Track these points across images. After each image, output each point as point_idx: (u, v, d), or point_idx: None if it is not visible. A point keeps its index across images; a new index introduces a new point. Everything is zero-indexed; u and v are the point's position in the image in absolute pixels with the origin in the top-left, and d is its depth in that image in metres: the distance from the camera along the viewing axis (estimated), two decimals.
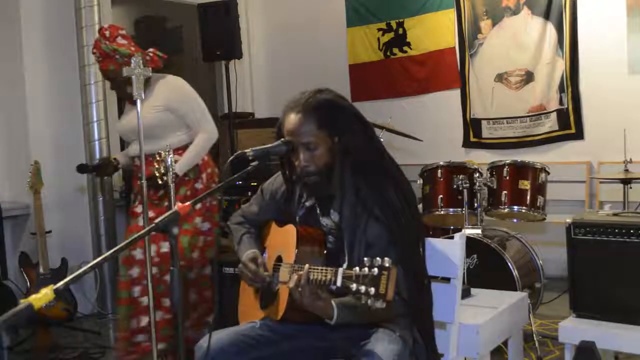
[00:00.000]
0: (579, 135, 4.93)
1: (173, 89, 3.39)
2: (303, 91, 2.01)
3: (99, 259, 1.44)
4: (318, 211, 2.05)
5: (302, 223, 2.07)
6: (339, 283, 1.63)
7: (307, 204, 2.07)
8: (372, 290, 1.53)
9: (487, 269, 3.47)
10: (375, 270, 1.54)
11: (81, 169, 3.61)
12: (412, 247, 1.94)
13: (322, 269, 1.72)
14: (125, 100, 3.42)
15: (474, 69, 5.40)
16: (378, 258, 1.56)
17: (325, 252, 1.98)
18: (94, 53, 3.31)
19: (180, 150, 3.32)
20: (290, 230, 2.02)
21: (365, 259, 1.57)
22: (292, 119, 1.96)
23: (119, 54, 3.21)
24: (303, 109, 1.95)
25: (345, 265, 1.88)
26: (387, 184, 1.95)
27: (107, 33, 3.25)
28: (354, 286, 1.57)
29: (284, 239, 2.05)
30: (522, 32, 5.09)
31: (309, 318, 1.86)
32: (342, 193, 1.98)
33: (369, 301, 1.54)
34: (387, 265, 1.54)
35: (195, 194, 3.30)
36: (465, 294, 2.90)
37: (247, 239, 2.21)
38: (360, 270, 1.57)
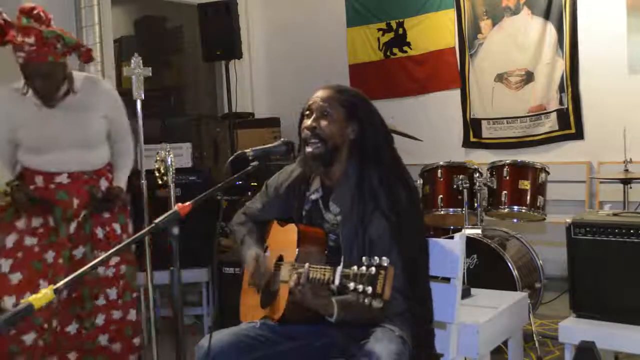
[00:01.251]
0: (579, 135, 4.93)
1: (112, 93, 2.87)
2: None
3: (98, 259, 1.44)
4: (321, 205, 2.06)
5: (307, 218, 2.08)
6: (337, 282, 1.64)
7: (313, 197, 2.08)
8: (370, 289, 1.54)
9: (487, 269, 3.46)
10: (373, 269, 1.55)
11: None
12: (415, 247, 1.95)
13: (321, 268, 1.72)
14: (46, 100, 2.67)
15: (474, 69, 5.40)
16: (376, 257, 1.56)
17: (326, 251, 1.99)
18: (18, 44, 2.47)
19: (102, 170, 2.84)
20: (292, 229, 2.02)
21: (364, 258, 1.58)
22: (321, 91, 2.04)
23: (63, 42, 2.55)
24: (334, 88, 2.04)
25: (342, 261, 1.89)
26: (399, 184, 1.97)
27: (41, 15, 2.55)
28: (351, 285, 1.58)
29: (285, 239, 2.05)
30: (522, 32, 5.09)
31: (309, 317, 1.87)
32: (343, 185, 2.00)
33: (367, 300, 1.54)
34: (384, 264, 1.54)
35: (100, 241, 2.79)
36: (465, 294, 2.90)
37: (248, 239, 2.21)
38: (358, 269, 1.58)
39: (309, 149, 1.99)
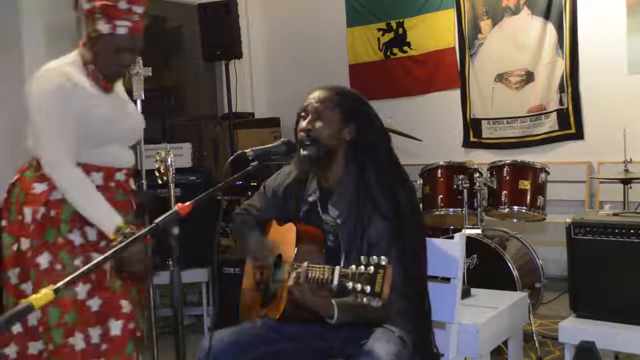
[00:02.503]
0: (579, 135, 4.93)
1: None
2: None
3: (99, 259, 1.44)
4: (319, 207, 2.05)
5: (305, 219, 2.08)
6: (335, 281, 1.64)
7: (310, 199, 2.08)
8: (368, 288, 1.54)
9: (487, 269, 3.46)
10: (371, 268, 1.55)
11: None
12: (415, 248, 1.94)
13: (320, 267, 1.72)
14: (114, 80, 2.31)
15: (474, 69, 5.40)
16: (374, 256, 1.57)
17: (325, 251, 1.99)
18: (122, 12, 2.11)
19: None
20: (290, 228, 2.03)
21: (362, 257, 1.59)
22: (317, 92, 2.03)
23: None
24: (332, 88, 2.03)
25: (342, 263, 1.89)
26: (397, 185, 1.97)
27: None
28: (350, 284, 1.58)
29: (284, 238, 2.05)
30: (522, 32, 5.09)
31: (309, 317, 1.87)
32: (341, 187, 1.99)
33: (365, 299, 1.55)
34: (383, 263, 1.55)
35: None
36: (465, 294, 2.90)
37: (247, 223, 2.21)
38: (356, 268, 1.58)
39: (302, 152, 1.99)
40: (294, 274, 1.75)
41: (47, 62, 2.20)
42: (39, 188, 2.16)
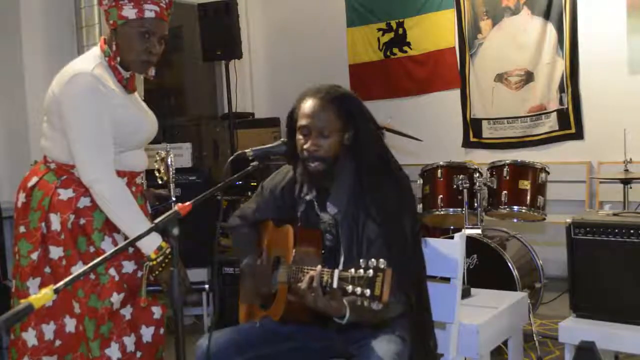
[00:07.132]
0: (579, 135, 4.93)
1: None
2: (319, 85, 2.02)
3: (98, 259, 1.44)
4: (317, 206, 2.04)
5: (302, 219, 2.07)
6: (335, 284, 1.63)
7: (307, 198, 2.07)
8: (368, 292, 1.53)
9: (487, 269, 3.46)
10: (370, 272, 1.54)
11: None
12: (409, 248, 1.94)
13: (325, 271, 1.71)
14: (141, 71, 2.21)
15: (474, 69, 5.40)
16: (373, 259, 1.55)
17: (322, 251, 1.98)
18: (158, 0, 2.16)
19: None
20: (288, 230, 2.02)
21: (361, 260, 1.57)
22: (312, 103, 1.96)
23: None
24: (325, 96, 1.96)
25: (342, 261, 1.89)
26: (387, 185, 1.95)
27: None
28: (349, 288, 1.57)
29: (281, 240, 2.05)
30: (522, 32, 5.10)
31: (308, 318, 1.86)
32: (339, 186, 1.99)
33: (365, 303, 1.54)
34: (382, 267, 1.53)
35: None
36: (465, 294, 2.90)
37: (242, 242, 2.22)
38: (355, 271, 1.57)
39: (312, 167, 1.95)
40: (307, 279, 1.71)
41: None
42: (65, 194, 2.09)
